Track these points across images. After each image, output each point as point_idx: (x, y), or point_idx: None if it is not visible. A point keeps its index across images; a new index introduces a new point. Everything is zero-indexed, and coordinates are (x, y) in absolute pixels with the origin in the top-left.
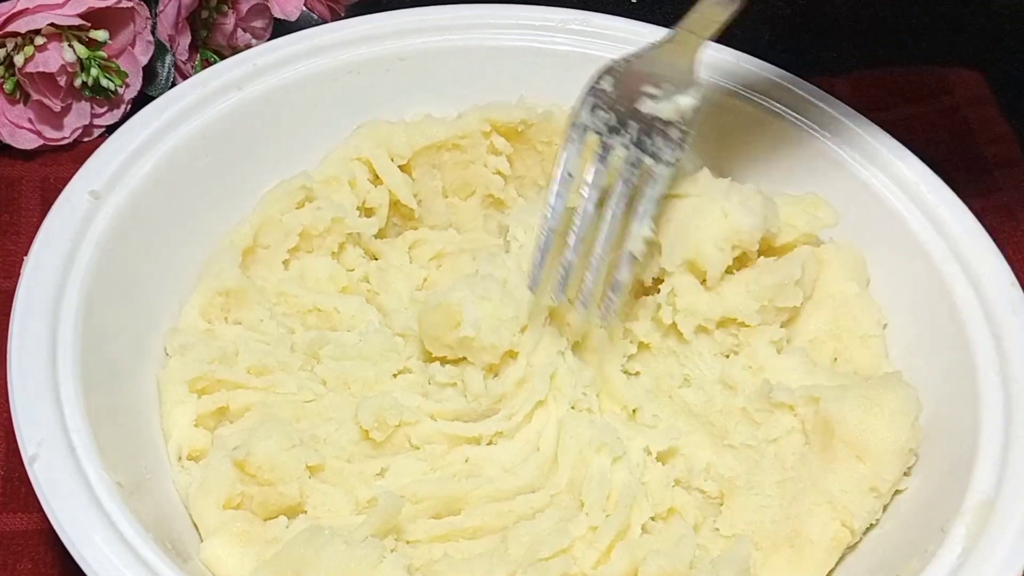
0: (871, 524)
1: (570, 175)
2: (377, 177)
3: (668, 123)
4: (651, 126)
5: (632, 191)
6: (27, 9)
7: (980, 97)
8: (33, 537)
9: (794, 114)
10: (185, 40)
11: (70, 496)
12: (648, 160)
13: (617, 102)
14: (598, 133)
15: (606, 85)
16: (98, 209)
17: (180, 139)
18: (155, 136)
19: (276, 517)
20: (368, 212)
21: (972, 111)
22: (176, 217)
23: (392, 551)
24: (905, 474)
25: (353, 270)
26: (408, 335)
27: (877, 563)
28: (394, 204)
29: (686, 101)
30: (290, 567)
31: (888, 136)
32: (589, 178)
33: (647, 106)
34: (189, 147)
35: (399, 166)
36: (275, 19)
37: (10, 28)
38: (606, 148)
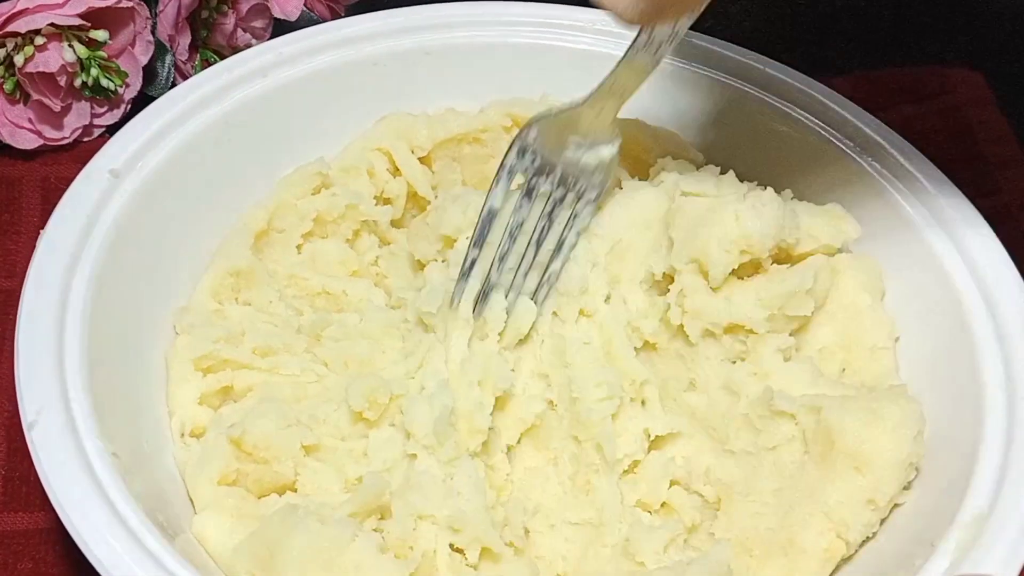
0: (868, 537)
1: (492, 211)
2: (396, 168)
3: (591, 169)
4: (575, 170)
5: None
6: (27, 9)
7: (980, 97)
8: (34, 536)
9: (812, 118)
10: (185, 40)
11: (63, 462)
12: (571, 196)
13: (543, 149)
14: (524, 173)
15: (532, 135)
16: (117, 187)
17: (202, 122)
18: (178, 119)
19: (269, 495)
20: (386, 202)
21: (972, 111)
22: (193, 199)
23: (374, 530)
24: (905, 488)
25: (365, 255)
26: (405, 303)
27: (869, 575)
28: (412, 195)
29: (607, 151)
30: (266, 544)
31: (908, 144)
32: (512, 211)
33: (571, 153)
34: (211, 131)
35: (419, 158)
36: (275, 19)
37: (10, 28)
38: (531, 188)
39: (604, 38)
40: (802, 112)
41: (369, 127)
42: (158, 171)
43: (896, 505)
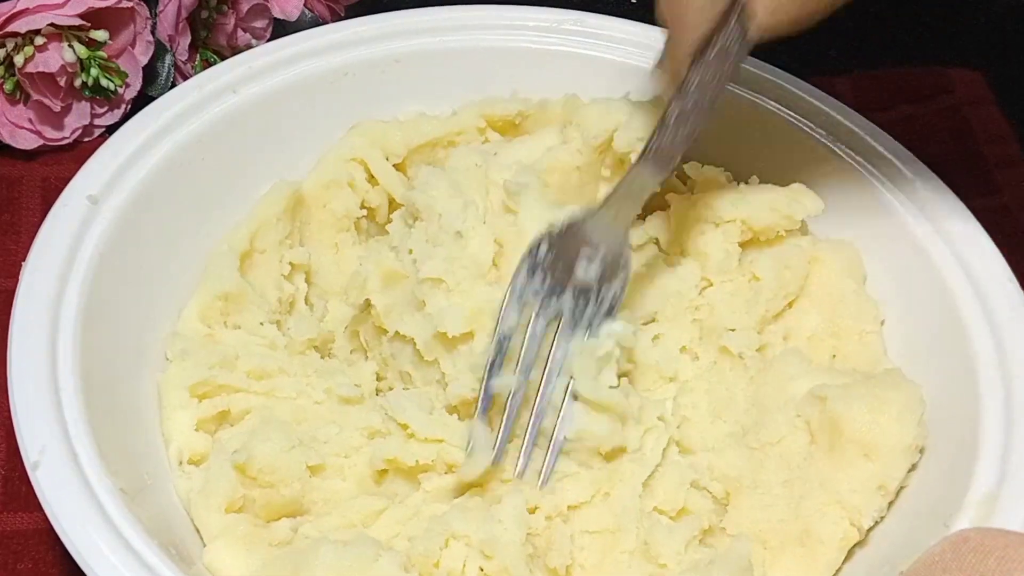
0: (876, 521)
1: (506, 338)
2: (372, 177)
3: (604, 280)
4: (588, 286)
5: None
6: (27, 9)
7: (980, 97)
8: (33, 537)
9: (791, 113)
10: (185, 40)
11: (73, 503)
12: (586, 311)
13: (553, 266)
14: (535, 296)
15: (543, 251)
16: (96, 213)
17: (176, 142)
18: (152, 139)
19: (279, 519)
20: (370, 212)
21: (972, 111)
22: (174, 221)
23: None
24: (910, 470)
25: None
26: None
27: (881, 558)
28: (392, 202)
29: (622, 258)
30: (289, 569)
31: (884, 134)
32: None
33: (583, 268)
34: (186, 150)
35: (394, 165)
36: (275, 19)
37: (10, 28)
38: (543, 309)
39: (574, 38)
40: (778, 106)
41: (341, 136)
42: (135, 194)
43: (901, 487)
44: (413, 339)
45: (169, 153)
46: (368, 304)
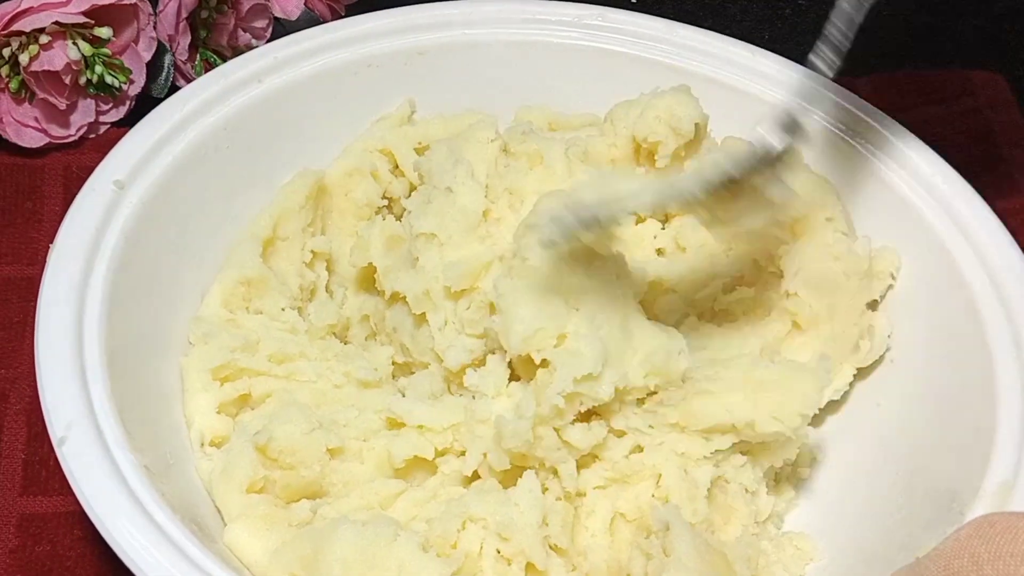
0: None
1: None
2: (398, 167)
3: None
4: None
5: None
6: (31, 8)
7: (1003, 100)
8: (52, 520)
9: (814, 110)
10: (185, 40)
11: (99, 477)
12: None
13: None
14: None
15: None
16: (122, 198)
17: (202, 130)
18: (178, 127)
19: (299, 500)
20: (391, 202)
21: (994, 114)
22: (198, 207)
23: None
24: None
25: None
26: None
27: (896, 545)
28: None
29: None
30: (309, 547)
31: (907, 131)
32: None
33: None
34: (211, 138)
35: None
36: (275, 19)
37: (15, 27)
38: None
39: (595, 32)
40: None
41: (366, 128)
42: (161, 180)
43: (916, 473)
44: (406, 297)
45: (195, 140)
46: (371, 269)
